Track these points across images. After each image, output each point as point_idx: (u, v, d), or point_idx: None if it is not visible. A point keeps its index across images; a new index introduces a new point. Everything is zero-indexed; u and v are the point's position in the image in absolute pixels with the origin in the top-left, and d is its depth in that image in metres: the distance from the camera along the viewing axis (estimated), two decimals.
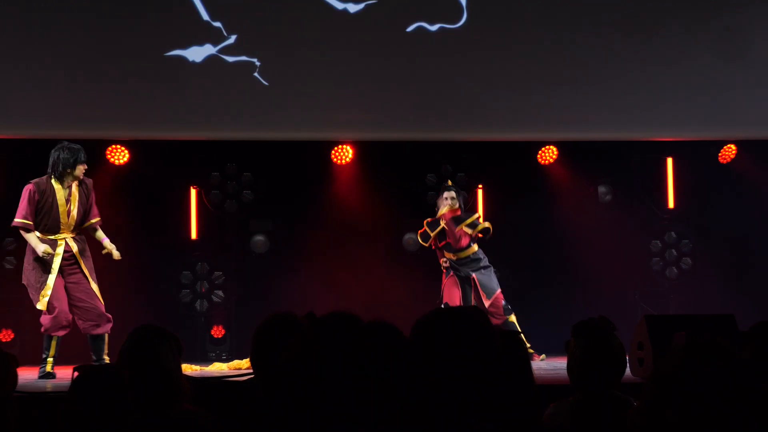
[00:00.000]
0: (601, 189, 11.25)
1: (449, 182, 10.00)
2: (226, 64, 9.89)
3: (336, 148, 10.69)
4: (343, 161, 10.77)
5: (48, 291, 8.21)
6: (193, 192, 10.69)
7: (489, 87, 10.13)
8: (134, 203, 10.52)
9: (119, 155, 10.42)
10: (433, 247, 9.78)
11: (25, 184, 8.38)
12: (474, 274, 9.61)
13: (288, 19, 9.92)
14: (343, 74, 9.99)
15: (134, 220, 10.46)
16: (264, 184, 10.80)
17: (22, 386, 4.62)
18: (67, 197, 8.33)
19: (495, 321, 9.54)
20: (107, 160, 10.40)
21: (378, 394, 2.64)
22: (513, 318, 9.62)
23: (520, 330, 9.36)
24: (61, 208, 8.32)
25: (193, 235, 10.69)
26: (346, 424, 2.64)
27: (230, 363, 9.57)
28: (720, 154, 11.10)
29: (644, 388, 2.69)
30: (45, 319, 8.27)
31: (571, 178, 11.08)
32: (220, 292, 10.74)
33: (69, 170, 8.26)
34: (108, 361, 8.27)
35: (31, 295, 8.34)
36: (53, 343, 8.22)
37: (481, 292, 9.56)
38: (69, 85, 9.74)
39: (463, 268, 9.65)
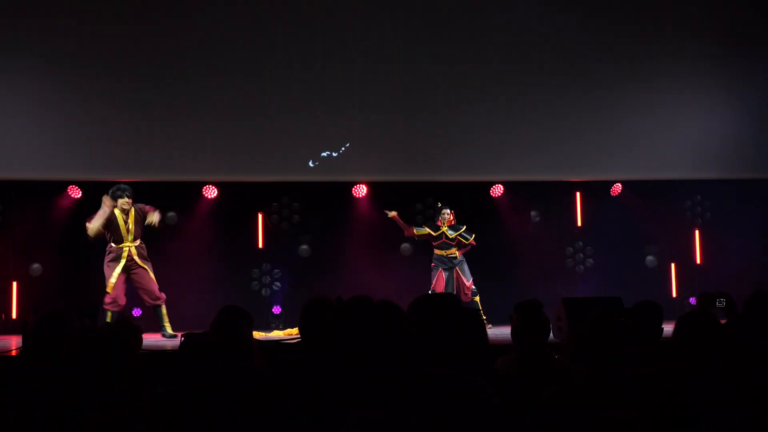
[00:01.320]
0: (533, 213, 11.24)
1: (439, 204, 9.97)
2: (281, 128, 9.91)
3: (355, 186, 10.69)
4: (360, 195, 10.77)
5: (113, 280, 8.47)
6: (259, 216, 10.69)
7: (457, 145, 10.15)
8: (220, 224, 10.51)
9: (210, 192, 10.45)
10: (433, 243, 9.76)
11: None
12: (457, 267, 9.64)
13: (317, 95, 9.94)
14: (359, 137, 10.02)
15: (220, 235, 10.49)
16: (307, 210, 10.79)
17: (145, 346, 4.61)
18: (125, 219, 8.59)
19: (466, 299, 9.54)
20: (203, 195, 10.43)
21: (384, 349, 2.64)
22: (477, 298, 9.61)
23: (480, 307, 9.36)
24: (121, 227, 8.57)
25: (260, 245, 10.67)
26: (364, 370, 2.64)
27: (285, 331, 9.55)
28: (611, 189, 11.09)
29: (563, 347, 2.68)
30: (107, 298, 8.46)
31: (513, 206, 11.06)
32: (278, 283, 10.71)
33: (115, 202, 8.59)
34: (168, 328, 8.61)
35: (107, 282, 8.53)
36: (108, 316, 8.34)
37: (462, 277, 9.60)
38: (174, 140, 9.75)
39: (449, 262, 9.63)
